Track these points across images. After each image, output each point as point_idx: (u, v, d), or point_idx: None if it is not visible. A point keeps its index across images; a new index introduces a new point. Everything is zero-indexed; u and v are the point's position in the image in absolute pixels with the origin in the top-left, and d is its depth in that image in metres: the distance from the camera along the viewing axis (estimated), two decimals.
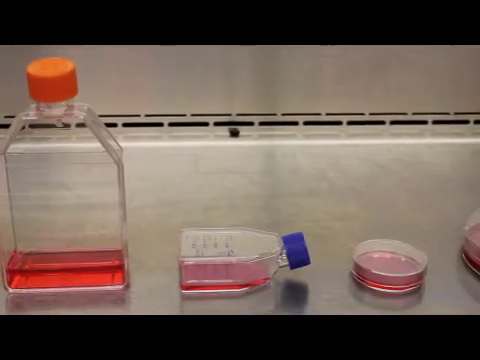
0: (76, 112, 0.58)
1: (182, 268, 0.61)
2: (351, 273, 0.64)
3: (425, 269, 0.63)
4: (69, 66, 0.57)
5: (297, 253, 0.62)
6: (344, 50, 0.84)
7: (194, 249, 0.63)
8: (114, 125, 0.87)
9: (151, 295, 0.62)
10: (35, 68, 0.57)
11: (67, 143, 0.66)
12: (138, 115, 0.88)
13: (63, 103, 0.58)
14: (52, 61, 0.57)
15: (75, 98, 0.58)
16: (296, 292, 0.63)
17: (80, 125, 0.59)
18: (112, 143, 0.60)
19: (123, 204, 0.61)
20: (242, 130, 0.89)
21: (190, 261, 0.61)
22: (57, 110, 0.58)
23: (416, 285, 0.63)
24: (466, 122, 0.89)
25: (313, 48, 0.83)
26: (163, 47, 0.81)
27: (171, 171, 0.82)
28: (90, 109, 0.59)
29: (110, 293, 0.62)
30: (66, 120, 0.58)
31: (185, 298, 0.62)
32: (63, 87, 0.57)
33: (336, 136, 0.89)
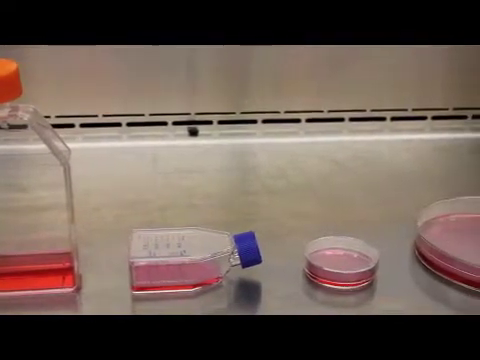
0: (20, 113, 0.57)
1: (133, 269, 0.61)
2: (304, 271, 0.64)
3: (377, 265, 0.63)
4: (12, 67, 0.56)
5: (248, 252, 0.62)
6: (302, 48, 0.84)
7: (146, 250, 0.62)
8: (72, 126, 0.86)
9: (102, 297, 0.61)
10: None
11: (19, 145, 0.65)
12: (96, 115, 0.87)
13: (7, 104, 0.57)
14: None
15: (21, 99, 0.58)
16: (249, 291, 0.63)
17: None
18: (59, 144, 0.59)
19: (71, 206, 0.60)
20: (201, 129, 0.88)
21: (141, 262, 0.61)
22: (1, 111, 0.57)
23: (368, 281, 0.63)
24: (424, 118, 0.90)
25: (272, 47, 0.83)
26: (120, 47, 0.80)
27: (130, 171, 0.82)
28: (36, 110, 0.59)
29: (61, 296, 0.61)
30: (11, 121, 0.58)
31: (137, 299, 0.61)
32: (6, 88, 0.56)
33: (295, 134, 0.89)
